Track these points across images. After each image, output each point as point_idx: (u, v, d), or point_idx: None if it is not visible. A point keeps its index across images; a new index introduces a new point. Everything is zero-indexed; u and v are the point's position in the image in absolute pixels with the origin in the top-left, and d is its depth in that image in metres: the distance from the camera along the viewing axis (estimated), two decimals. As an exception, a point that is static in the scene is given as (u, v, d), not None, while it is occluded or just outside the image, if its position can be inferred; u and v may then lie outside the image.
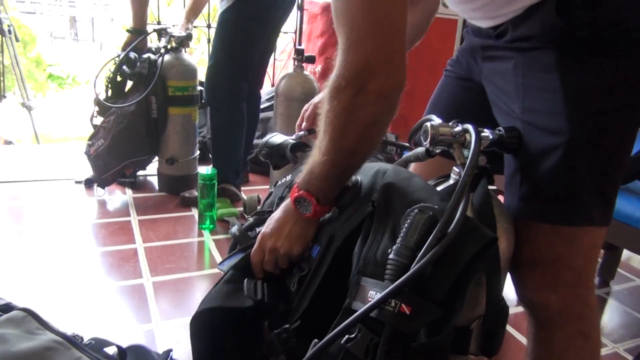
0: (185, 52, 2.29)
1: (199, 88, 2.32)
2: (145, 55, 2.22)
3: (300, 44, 3.22)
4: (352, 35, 0.66)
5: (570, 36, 0.70)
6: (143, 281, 1.64)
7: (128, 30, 2.26)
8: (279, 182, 1.36)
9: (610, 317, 1.72)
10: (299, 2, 3.13)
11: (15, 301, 1.10)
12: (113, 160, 2.21)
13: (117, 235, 1.93)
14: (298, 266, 0.80)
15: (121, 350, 1.14)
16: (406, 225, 0.63)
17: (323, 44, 3.17)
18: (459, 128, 0.69)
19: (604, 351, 1.48)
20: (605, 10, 0.68)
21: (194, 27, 2.35)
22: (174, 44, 2.22)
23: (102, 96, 2.25)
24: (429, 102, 1.03)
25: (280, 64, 3.56)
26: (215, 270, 1.75)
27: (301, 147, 1.04)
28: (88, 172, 2.32)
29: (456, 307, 0.61)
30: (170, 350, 1.20)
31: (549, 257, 0.77)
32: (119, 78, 2.24)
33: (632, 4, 0.69)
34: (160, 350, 1.24)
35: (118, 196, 2.32)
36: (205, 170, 2.00)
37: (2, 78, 3.52)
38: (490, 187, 0.74)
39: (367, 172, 0.78)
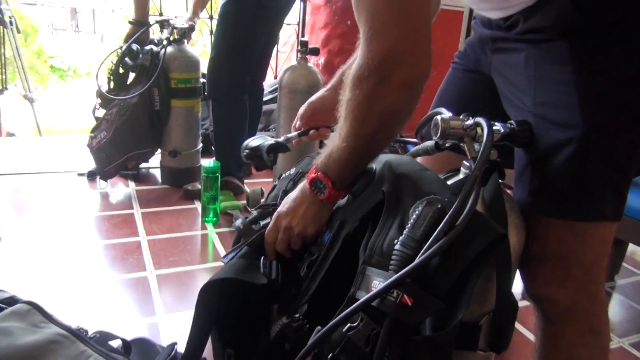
0: (187, 43, 2.27)
1: (202, 80, 2.31)
2: (148, 47, 2.20)
3: (303, 36, 3.20)
4: (375, 24, 0.64)
5: (585, 27, 0.69)
6: (147, 274, 1.64)
7: (130, 22, 2.24)
8: (283, 175, 1.35)
9: (615, 311, 1.71)
10: (302, -7, 3.11)
11: (19, 294, 1.09)
12: (115, 153, 2.21)
13: (120, 228, 1.93)
14: (309, 251, 0.79)
15: (126, 344, 1.14)
16: (414, 216, 0.62)
17: (326, 36, 3.15)
18: (470, 121, 0.68)
19: (609, 346, 1.48)
20: None
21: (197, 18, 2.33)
22: (176, 36, 2.21)
23: (104, 88, 2.24)
24: (436, 95, 1.02)
25: (283, 56, 3.53)
26: (219, 264, 1.74)
27: (278, 149, 1.03)
28: (90, 164, 2.31)
29: (462, 302, 0.60)
30: (174, 344, 1.20)
31: (559, 253, 0.76)
32: (121, 70, 2.23)
33: None
34: (164, 343, 1.24)
35: (121, 189, 2.31)
36: (208, 162, 1.99)
37: (3, 70, 3.50)
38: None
39: (381, 161, 0.77)
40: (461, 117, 0.69)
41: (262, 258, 0.81)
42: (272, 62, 3.09)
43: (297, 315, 0.73)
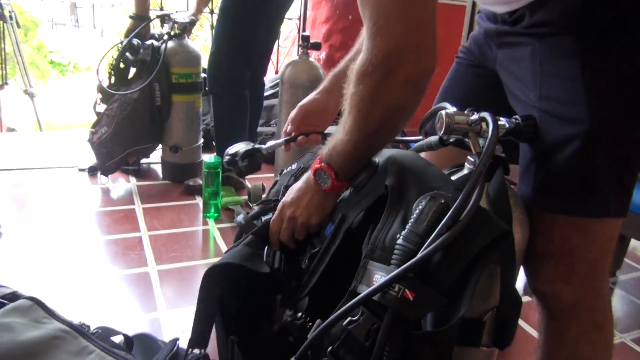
0: (188, 38, 2.27)
1: (203, 75, 2.30)
2: (148, 42, 2.19)
3: (304, 31, 3.18)
4: (380, 19, 0.64)
5: (591, 21, 0.68)
6: (148, 269, 1.64)
7: (130, 17, 2.23)
8: (285, 171, 1.35)
9: (617, 307, 1.71)
10: (303, -13, 3.09)
11: (21, 290, 1.09)
12: (116, 148, 2.20)
13: (122, 224, 1.92)
14: (311, 244, 0.79)
15: (128, 339, 1.14)
16: (417, 211, 0.62)
17: (327, 31, 3.13)
18: (475, 116, 0.67)
19: (610, 341, 1.48)
20: None
21: (197, 12, 2.32)
22: (177, 31, 2.20)
23: (105, 83, 2.23)
24: (439, 90, 1.01)
25: (284, 51, 3.52)
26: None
27: (253, 155, 1.02)
28: (91, 159, 2.31)
29: (464, 298, 0.60)
30: (176, 339, 1.20)
31: (564, 249, 0.76)
32: (122, 65, 2.22)
33: None
34: (166, 339, 1.24)
35: (122, 184, 2.31)
36: (209, 158, 1.99)
37: (4, 65, 3.49)
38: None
39: (384, 155, 0.77)
40: (466, 112, 0.69)
41: (266, 248, 0.81)
42: (273, 57, 3.08)
43: (300, 313, 0.73)
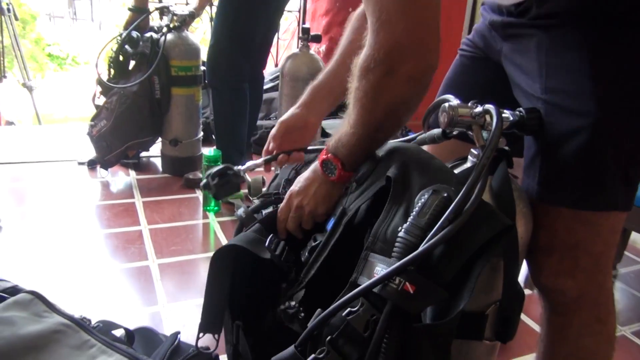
0: (187, 31, 2.25)
1: (202, 68, 2.29)
2: (148, 35, 2.18)
3: (304, 23, 3.16)
4: (382, 15, 0.64)
5: (598, 13, 0.67)
6: (149, 263, 1.63)
7: (130, 9, 2.22)
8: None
9: (617, 299, 1.71)
10: (303, -21, 3.07)
11: (21, 284, 1.09)
12: (116, 141, 2.19)
13: (122, 217, 1.92)
14: (313, 237, 0.79)
15: (129, 333, 1.14)
16: (419, 204, 0.62)
17: (328, 23, 3.11)
18: (479, 109, 0.67)
19: (611, 334, 1.48)
20: None
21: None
22: (176, 23, 2.18)
23: (104, 76, 2.22)
24: (442, 83, 1.00)
25: (283, 44, 3.51)
26: (221, 253, 1.74)
27: (225, 173, 0.98)
28: (91, 153, 2.30)
29: (465, 292, 0.60)
30: (177, 333, 1.20)
31: (568, 243, 0.76)
32: (121, 58, 2.21)
33: None
34: (167, 332, 1.24)
35: (121, 178, 2.30)
36: (209, 151, 1.98)
37: (2, 58, 3.47)
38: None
39: (387, 147, 0.77)
40: (469, 104, 0.68)
41: (271, 235, 0.81)
42: (273, 50, 3.07)
43: (293, 302, 0.73)
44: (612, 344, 0.85)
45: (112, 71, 2.22)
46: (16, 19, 3.53)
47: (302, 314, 0.71)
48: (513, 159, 0.73)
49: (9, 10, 3.36)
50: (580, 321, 0.81)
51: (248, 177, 2.19)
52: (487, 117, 0.66)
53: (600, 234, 0.76)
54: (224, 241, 1.84)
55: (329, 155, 0.77)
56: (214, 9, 2.58)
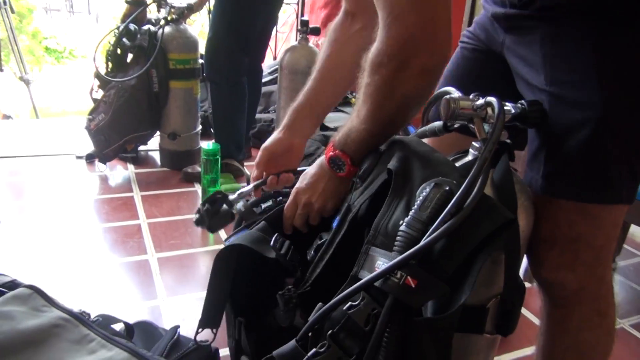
0: (185, 23, 2.24)
1: (200, 61, 2.27)
2: (145, 27, 2.16)
3: (303, 16, 3.15)
4: (395, 9, 0.63)
5: (604, 4, 0.67)
6: (148, 257, 1.63)
7: (127, 2, 2.20)
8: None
9: (616, 292, 1.71)
10: (302, -28, 3.05)
11: (20, 278, 1.08)
12: (114, 135, 2.18)
13: (120, 211, 1.91)
14: (319, 236, 0.79)
15: (128, 327, 1.14)
16: (421, 198, 0.61)
17: (326, 16, 3.10)
18: (480, 101, 0.66)
19: (610, 327, 1.49)
20: None
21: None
22: (173, 16, 2.17)
23: (101, 70, 2.21)
24: (443, 75, 0.99)
25: (282, 37, 3.49)
26: (220, 246, 1.73)
27: (215, 200, 0.97)
28: (89, 147, 2.29)
29: (466, 286, 0.60)
30: (177, 327, 1.20)
31: (570, 236, 0.75)
32: (119, 51, 2.19)
33: None
34: (166, 326, 1.24)
35: (120, 172, 2.29)
36: (207, 145, 1.97)
37: (-2, 51, 3.45)
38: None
39: (388, 141, 0.77)
40: (471, 97, 0.67)
41: (276, 234, 0.81)
42: (271, 43, 3.05)
43: (290, 287, 0.73)
44: (612, 337, 0.85)
45: (110, 64, 2.21)
46: (12, 11, 3.51)
47: (294, 301, 0.72)
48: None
49: (4, 2, 3.34)
50: (581, 314, 0.81)
51: (247, 171, 2.18)
52: (489, 110, 0.66)
53: (602, 227, 0.75)
54: (223, 235, 1.83)
55: (337, 151, 0.76)
56: (212, 1, 2.56)
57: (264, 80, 2.48)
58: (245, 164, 2.31)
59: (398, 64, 0.64)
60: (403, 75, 0.65)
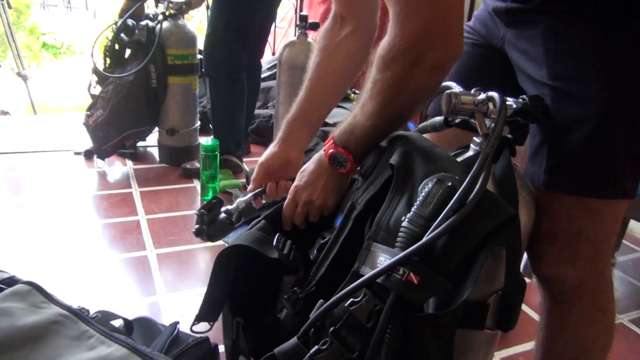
0: (183, 19, 2.22)
1: (199, 57, 2.26)
2: (143, 23, 2.15)
3: (301, 11, 3.13)
4: (410, 4, 0.62)
5: None
6: (147, 253, 1.63)
7: (125, -4, 2.18)
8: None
9: (615, 288, 1.71)
10: (300, -33, 3.03)
11: (18, 275, 1.08)
12: (113, 131, 2.18)
13: (119, 207, 1.91)
14: (321, 235, 0.79)
15: (127, 323, 1.14)
16: (423, 193, 0.61)
17: (325, 10, 3.08)
18: (482, 96, 0.66)
19: (609, 322, 1.49)
20: None
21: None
22: (172, 11, 2.15)
23: (99, 65, 2.19)
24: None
25: (280, 32, 3.47)
26: (219, 242, 1.72)
27: (213, 207, 0.96)
28: (87, 143, 2.28)
29: (468, 282, 0.59)
30: (177, 323, 1.20)
31: (570, 231, 0.75)
32: (117, 46, 2.18)
33: None
34: (166, 322, 1.24)
35: (118, 167, 2.29)
36: (206, 141, 1.97)
37: (-5, 46, 3.43)
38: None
39: (389, 137, 0.76)
40: (472, 91, 0.67)
41: (278, 234, 0.80)
42: (270, 38, 3.04)
43: (296, 289, 0.73)
44: (611, 332, 0.85)
45: (108, 60, 2.20)
46: (10, 7, 3.49)
47: (302, 301, 0.71)
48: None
49: (1, -2, 3.32)
50: (580, 310, 0.81)
51: (246, 167, 2.18)
52: (490, 105, 0.66)
53: (603, 223, 0.75)
54: (222, 231, 1.83)
55: (339, 148, 0.76)
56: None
57: (262, 75, 2.47)
58: (244, 159, 2.31)
59: (412, 58, 0.63)
60: (416, 70, 0.64)
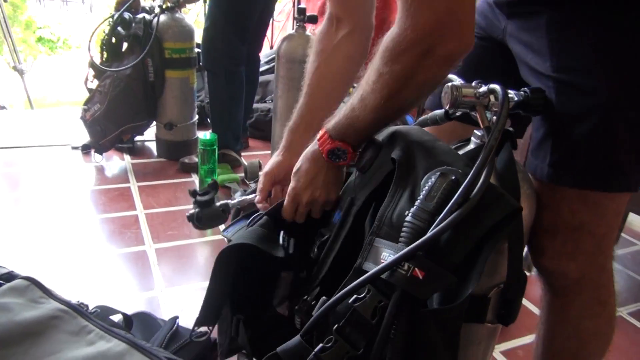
0: (180, 12, 2.21)
1: (197, 50, 2.25)
2: (140, 16, 2.13)
3: (299, 4, 3.11)
4: None
5: None
6: (145, 248, 1.62)
7: (121, -11, 2.16)
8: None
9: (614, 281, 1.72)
10: (298, -41, 3.01)
11: (16, 270, 1.07)
12: (110, 125, 2.16)
13: (117, 202, 1.90)
14: (319, 233, 0.78)
15: (127, 318, 1.14)
16: (426, 187, 0.60)
17: (323, 3, 3.06)
18: (483, 89, 0.65)
19: (608, 315, 1.49)
20: None
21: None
22: (169, 4, 2.14)
23: (96, 59, 2.18)
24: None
25: (278, 25, 3.45)
26: (218, 237, 1.73)
27: (208, 203, 0.96)
28: (85, 137, 2.27)
29: (473, 276, 0.59)
30: (176, 317, 1.19)
31: (572, 224, 0.75)
32: (114, 40, 2.16)
33: None
34: (165, 317, 1.23)
35: (116, 162, 2.28)
36: (204, 135, 1.96)
37: (-9, 40, 3.41)
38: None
39: (388, 131, 0.75)
40: (473, 84, 0.67)
41: (282, 232, 0.80)
42: (268, 32, 3.02)
43: (307, 297, 0.72)
44: (612, 325, 0.85)
45: (105, 54, 2.18)
46: (5, 0, 3.46)
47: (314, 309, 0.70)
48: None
49: (-3, -9, 3.29)
50: (581, 303, 0.81)
51: (244, 161, 2.17)
52: (492, 97, 0.65)
53: (605, 216, 0.75)
54: (221, 226, 1.82)
55: (337, 142, 0.75)
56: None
57: (261, 69, 2.45)
58: (243, 154, 2.30)
59: (423, 50, 0.61)
60: (427, 62, 0.62)
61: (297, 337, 0.63)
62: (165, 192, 2.02)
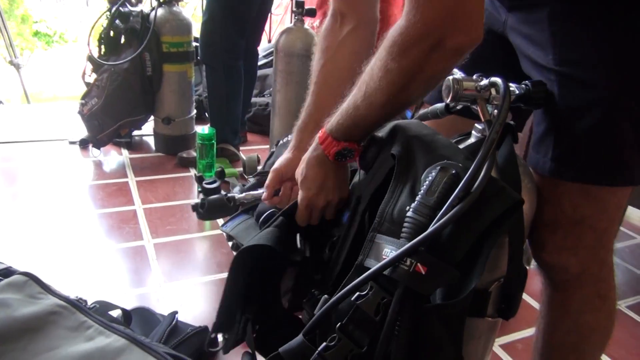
0: (177, 5, 2.19)
1: (194, 44, 2.24)
2: (137, 9, 2.12)
3: (297, -3, 3.09)
4: None
5: None
6: (144, 243, 1.62)
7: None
8: (281, 142, 1.31)
9: (613, 275, 1.73)
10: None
11: (14, 265, 1.07)
12: (108, 120, 2.15)
13: (115, 197, 1.90)
14: (329, 234, 0.78)
15: (126, 313, 1.13)
16: (427, 182, 0.60)
17: (321, -3, 3.04)
18: (484, 82, 0.64)
19: (606, 309, 1.49)
20: None
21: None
22: (166, -3, 2.12)
23: (94, 53, 2.17)
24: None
25: (276, 19, 3.44)
26: (217, 232, 1.73)
27: (214, 191, 0.96)
28: (82, 132, 2.26)
29: (475, 271, 0.59)
30: (175, 312, 1.19)
31: (573, 219, 0.75)
32: (112, 33, 2.15)
33: None
34: (164, 312, 1.23)
35: (114, 157, 2.27)
36: (202, 129, 1.95)
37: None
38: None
39: (388, 126, 0.75)
40: (474, 77, 0.66)
41: (298, 235, 0.80)
42: (266, 25, 3.00)
43: (314, 291, 0.72)
44: (612, 319, 0.85)
45: (103, 48, 2.17)
46: (1, -6, 3.43)
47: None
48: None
49: (-7, -15, 3.26)
50: (581, 297, 0.81)
51: (243, 156, 2.17)
52: (493, 91, 0.64)
53: (606, 210, 0.75)
54: (220, 220, 1.82)
55: (343, 143, 0.74)
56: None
57: (259, 63, 2.44)
58: (241, 148, 2.30)
59: (433, 43, 0.60)
60: (435, 55, 0.61)
61: (300, 337, 0.63)
62: (163, 186, 2.01)
